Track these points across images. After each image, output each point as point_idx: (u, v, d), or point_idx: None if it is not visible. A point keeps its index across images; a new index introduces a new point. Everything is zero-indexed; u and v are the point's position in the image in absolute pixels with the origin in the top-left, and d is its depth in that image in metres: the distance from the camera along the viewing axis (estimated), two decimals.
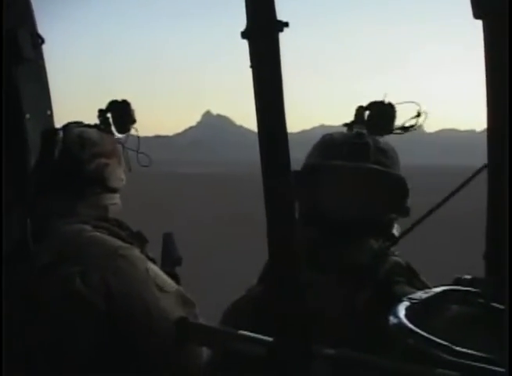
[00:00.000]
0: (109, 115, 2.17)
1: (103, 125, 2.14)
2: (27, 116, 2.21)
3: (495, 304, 1.19)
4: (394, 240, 1.62)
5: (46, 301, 1.73)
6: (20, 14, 2.23)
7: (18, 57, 2.21)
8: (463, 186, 1.45)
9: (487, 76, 1.12)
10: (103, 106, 2.17)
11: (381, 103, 1.70)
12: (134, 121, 2.18)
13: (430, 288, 1.41)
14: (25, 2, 2.23)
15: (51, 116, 2.34)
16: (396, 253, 1.65)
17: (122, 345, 1.78)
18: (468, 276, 1.35)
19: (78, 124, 2.09)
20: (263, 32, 1.05)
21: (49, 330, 1.71)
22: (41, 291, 1.75)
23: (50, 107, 2.34)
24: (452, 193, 1.45)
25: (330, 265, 1.59)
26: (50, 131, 2.07)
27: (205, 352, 1.83)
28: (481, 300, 1.24)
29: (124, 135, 2.19)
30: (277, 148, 1.06)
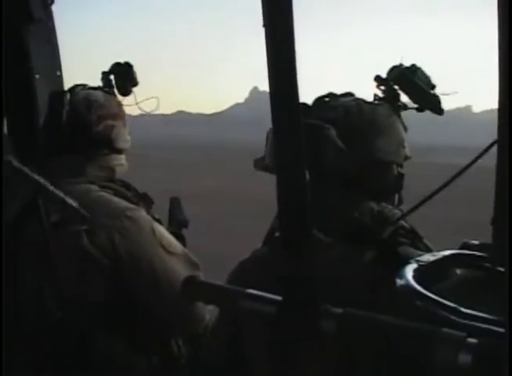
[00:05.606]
0: (111, 77, 2.19)
1: (106, 87, 2.16)
2: (37, 76, 2.20)
3: (501, 268, 1.19)
4: (407, 212, 1.58)
5: (55, 258, 1.75)
6: None
7: (28, 17, 2.20)
8: (473, 162, 1.41)
9: (500, 54, 1.10)
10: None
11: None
12: (136, 84, 2.21)
13: (434, 251, 1.41)
14: None
15: (60, 77, 2.33)
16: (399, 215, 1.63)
17: (128, 304, 1.81)
18: (475, 242, 1.35)
19: (84, 86, 2.09)
20: None
21: (60, 285, 1.74)
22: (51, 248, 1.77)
23: (60, 68, 2.33)
24: (462, 170, 1.41)
25: (331, 224, 1.57)
26: (57, 93, 2.08)
27: (212, 310, 1.85)
28: (488, 264, 1.24)
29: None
30: (289, 108, 1.06)
